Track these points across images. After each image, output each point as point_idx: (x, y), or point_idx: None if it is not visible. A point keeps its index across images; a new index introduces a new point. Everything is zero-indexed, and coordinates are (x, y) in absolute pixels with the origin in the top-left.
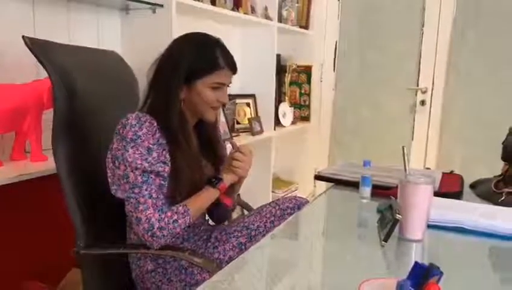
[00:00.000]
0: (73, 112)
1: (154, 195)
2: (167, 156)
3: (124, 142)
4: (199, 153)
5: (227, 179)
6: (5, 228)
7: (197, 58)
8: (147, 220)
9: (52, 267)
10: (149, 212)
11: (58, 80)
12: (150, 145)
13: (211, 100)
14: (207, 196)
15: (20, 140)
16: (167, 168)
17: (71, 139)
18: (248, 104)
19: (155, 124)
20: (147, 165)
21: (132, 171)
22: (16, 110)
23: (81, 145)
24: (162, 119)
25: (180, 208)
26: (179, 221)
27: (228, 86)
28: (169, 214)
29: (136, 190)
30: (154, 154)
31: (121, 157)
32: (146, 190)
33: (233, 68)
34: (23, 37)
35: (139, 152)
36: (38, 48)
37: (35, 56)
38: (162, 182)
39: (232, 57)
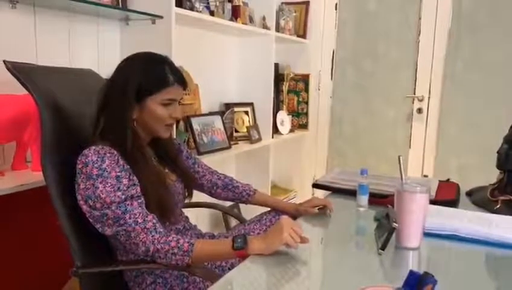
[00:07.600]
0: (60, 132)
1: (139, 220)
2: (134, 178)
3: (91, 180)
4: (160, 167)
5: (256, 247)
6: (6, 237)
7: (146, 76)
8: (143, 244)
9: (52, 277)
10: (142, 237)
11: (43, 102)
12: (118, 174)
13: (164, 117)
14: (220, 251)
15: (21, 150)
16: (138, 188)
17: (59, 159)
18: (246, 113)
19: (115, 153)
20: (120, 194)
21: (108, 207)
22: (16, 121)
23: (69, 165)
24: (116, 141)
25: (186, 245)
26: (177, 257)
27: (180, 101)
28: (172, 244)
29: (121, 222)
30: (125, 181)
31: (93, 195)
32: (130, 218)
33: (182, 84)
34: (4, 61)
35: (110, 184)
36: (21, 71)
37: (18, 80)
38: (140, 200)
39: (180, 73)
